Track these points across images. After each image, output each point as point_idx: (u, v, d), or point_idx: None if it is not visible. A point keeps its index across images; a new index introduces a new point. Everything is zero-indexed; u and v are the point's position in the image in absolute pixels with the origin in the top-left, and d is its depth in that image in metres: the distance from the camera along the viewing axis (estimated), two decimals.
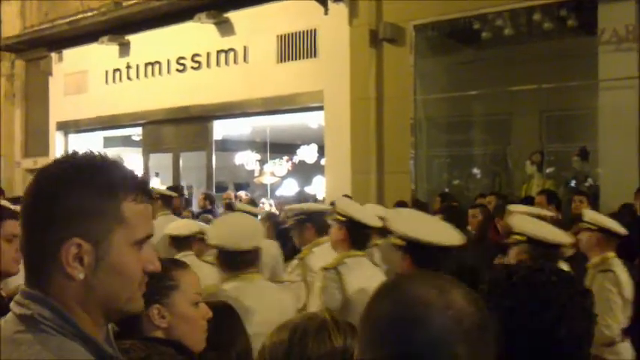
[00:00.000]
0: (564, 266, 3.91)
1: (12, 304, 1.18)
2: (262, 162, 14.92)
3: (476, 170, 11.54)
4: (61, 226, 1.16)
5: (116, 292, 1.21)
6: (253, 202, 10.44)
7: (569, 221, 5.90)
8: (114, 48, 12.77)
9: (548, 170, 10.32)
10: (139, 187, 1.24)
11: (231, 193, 12.01)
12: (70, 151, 1.25)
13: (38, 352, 1.10)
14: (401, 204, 6.99)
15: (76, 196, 1.17)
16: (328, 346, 1.64)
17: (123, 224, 1.20)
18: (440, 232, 3.08)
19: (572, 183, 9.56)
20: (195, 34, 11.45)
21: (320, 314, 1.82)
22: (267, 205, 12.53)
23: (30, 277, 1.20)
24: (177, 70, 11.92)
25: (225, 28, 11.14)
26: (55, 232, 1.16)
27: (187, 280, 2.02)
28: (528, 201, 7.18)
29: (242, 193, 12.85)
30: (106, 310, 1.22)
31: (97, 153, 1.24)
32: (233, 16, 11.04)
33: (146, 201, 1.25)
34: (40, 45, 14.08)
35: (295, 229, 4.64)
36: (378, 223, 3.80)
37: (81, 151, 1.25)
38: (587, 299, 1.53)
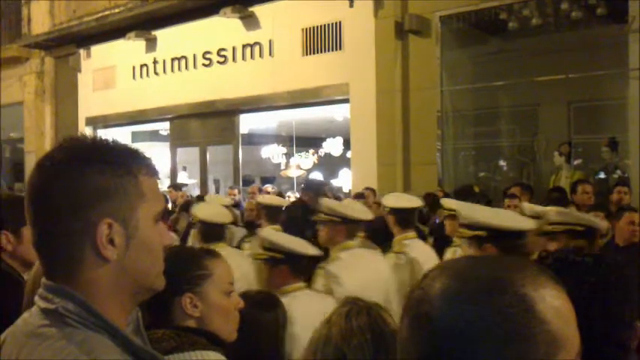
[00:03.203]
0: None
1: (36, 298, 1.16)
2: (288, 155, 14.99)
3: (502, 162, 11.44)
4: (88, 209, 1.13)
5: (147, 269, 1.20)
6: (280, 195, 10.51)
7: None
8: (141, 43, 12.89)
9: (577, 161, 10.20)
10: (147, 161, 1.22)
11: (256, 186, 12.08)
12: (64, 138, 1.21)
13: (63, 347, 1.07)
14: (429, 196, 6.95)
15: (96, 176, 1.13)
16: (390, 328, 1.77)
17: (143, 199, 1.18)
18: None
19: (601, 174, 9.44)
20: (220, 29, 11.51)
21: (362, 303, 1.87)
22: (293, 198, 12.56)
23: (51, 269, 1.16)
24: (204, 64, 11.99)
25: (251, 22, 11.18)
26: (83, 217, 1.12)
27: (220, 270, 2.03)
28: (558, 191, 7.07)
29: (268, 187, 12.92)
30: (137, 290, 1.20)
31: (91, 134, 1.22)
32: (258, 10, 11.07)
33: (155, 174, 1.23)
34: (69, 42, 14.29)
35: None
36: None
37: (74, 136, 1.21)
38: (623, 281, 1.54)
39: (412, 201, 4.87)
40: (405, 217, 4.65)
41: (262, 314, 2.50)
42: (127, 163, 1.18)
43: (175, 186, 11.16)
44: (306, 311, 2.94)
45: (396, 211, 4.66)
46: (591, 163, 10.29)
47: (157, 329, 1.82)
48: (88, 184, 1.13)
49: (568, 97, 10.58)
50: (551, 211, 3.70)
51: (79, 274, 1.14)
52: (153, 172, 1.23)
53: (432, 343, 0.88)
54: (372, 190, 8.11)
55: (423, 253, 4.53)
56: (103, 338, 1.11)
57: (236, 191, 10.33)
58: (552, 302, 0.89)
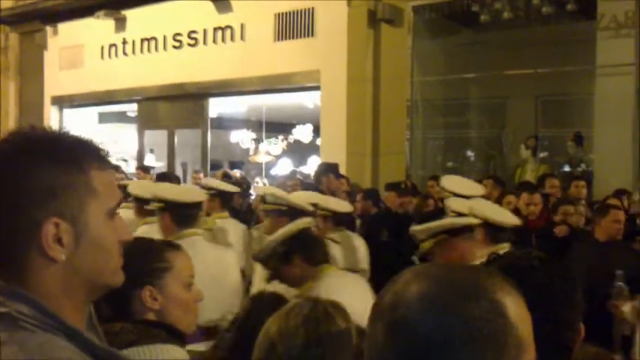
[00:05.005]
0: None
1: None
2: (257, 141, 14.91)
3: (470, 153, 11.55)
4: (33, 207, 1.08)
5: (100, 268, 1.15)
6: (245, 180, 10.51)
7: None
8: (110, 23, 12.65)
9: (542, 155, 10.35)
10: (99, 154, 1.17)
11: (223, 171, 12.01)
12: (12, 129, 1.16)
13: (15, 353, 1.01)
14: (392, 186, 6.99)
15: (42, 173, 1.09)
16: (335, 328, 1.72)
17: (94, 195, 1.14)
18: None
19: (566, 168, 9.60)
20: (192, 11, 11.35)
21: (312, 299, 1.86)
22: (261, 183, 12.53)
23: (1, 270, 1.10)
24: (174, 46, 11.83)
25: (223, 5, 11.04)
26: (27, 217, 1.08)
27: (180, 262, 2.00)
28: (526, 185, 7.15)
29: (236, 172, 12.86)
30: (91, 288, 1.16)
31: (44, 126, 1.17)
32: None
33: (109, 167, 1.19)
34: (35, 18, 13.93)
35: None
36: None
37: (36, 126, 1.16)
38: (568, 284, 1.55)
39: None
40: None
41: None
42: (77, 158, 1.13)
43: (144, 168, 11.03)
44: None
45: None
46: (557, 156, 10.46)
47: (116, 322, 1.79)
48: (33, 183, 1.08)
49: (536, 91, 10.70)
50: (268, 193, 4.56)
51: (28, 275, 1.09)
52: (106, 165, 1.18)
53: (411, 349, 0.89)
54: (346, 178, 8.09)
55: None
56: (60, 340, 1.06)
57: (201, 175, 10.26)
58: (517, 308, 0.93)
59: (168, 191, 4.04)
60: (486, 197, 4.89)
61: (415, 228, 3.56)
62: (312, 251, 3.31)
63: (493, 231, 3.58)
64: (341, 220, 4.98)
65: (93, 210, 1.13)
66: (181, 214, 3.84)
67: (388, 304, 0.94)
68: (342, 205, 5.06)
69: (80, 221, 1.12)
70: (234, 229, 5.24)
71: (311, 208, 4.47)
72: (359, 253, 4.98)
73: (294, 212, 4.17)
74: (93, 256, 1.14)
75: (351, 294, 2.83)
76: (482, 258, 3.41)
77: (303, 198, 4.77)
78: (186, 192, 4.27)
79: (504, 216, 3.72)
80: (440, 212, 4.62)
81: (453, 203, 4.12)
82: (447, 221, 3.54)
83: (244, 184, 8.99)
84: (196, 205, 4.01)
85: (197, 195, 4.20)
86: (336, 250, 4.54)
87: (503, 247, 3.45)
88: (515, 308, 0.92)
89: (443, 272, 0.98)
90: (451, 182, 5.20)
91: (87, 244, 1.13)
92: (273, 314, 1.83)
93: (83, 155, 1.14)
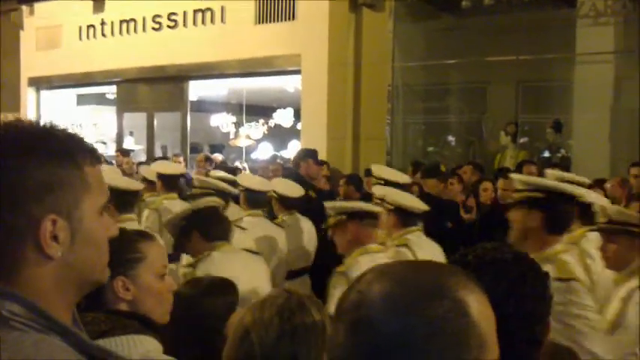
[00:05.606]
0: None
1: None
2: (238, 124, 14.82)
3: (451, 138, 11.60)
4: (31, 204, 1.05)
5: (93, 264, 1.15)
6: (225, 164, 10.46)
7: None
8: (88, 3, 12.44)
9: (522, 140, 10.42)
10: (91, 149, 1.16)
11: (203, 154, 11.93)
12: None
13: (9, 354, 0.99)
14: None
15: (39, 169, 1.06)
16: (310, 320, 1.72)
17: (88, 191, 1.12)
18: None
19: (545, 154, 9.68)
20: None
21: (287, 291, 1.85)
22: (241, 167, 12.48)
23: None
24: (153, 28, 11.68)
25: None
26: (24, 213, 1.05)
27: (154, 252, 2.00)
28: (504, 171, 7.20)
29: (217, 155, 12.79)
30: (81, 285, 1.15)
31: (32, 120, 1.15)
32: None
33: (98, 162, 1.18)
34: None
35: None
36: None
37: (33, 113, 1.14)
38: (540, 278, 1.57)
39: None
40: None
41: (207, 301, 2.45)
42: (72, 153, 1.11)
43: (123, 151, 10.94)
44: None
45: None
46: (537, 141, 10.54)
47: (88, 313, 1.77)
48: (31, 178, 1.06)
49: (517, 78, 10.74)
50: (197, 179, 5.33)
51: (20, 272, 1.07)
52: (97, 160, 1.16)
53: (373, 349, 0.89)
54: (326, 164, 8.08)
55: None
56: (54, 340, 1.05)
57: (181, 159, 10.19)
58: (480, 306, 0.93)
59: (108, 178, 4.23)
60: (407, 186, 5.40)
61: (327, 203, 3.91)
62: (209, 228, 3.57)
63: (404, 216, 4.00)
64: (293, 204, 5.41)
65: (87, 206, 1.12)
66: (120, 201, 4.24)
67: (351, 303, 0.94)
68: (293, 190, 5.44)
69: (75, 218, 1.10)
70: (180, 209, 5.40)
71: (236, 192, 5.08)
72: (304, 236, 5.42)
73: (220, 196, 4.54)
74: (87, 253, 1.13)
75: (235, 270, 3.11)
76: (394, 239, 3.94)
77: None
78: (125, 179, 4.75)
79: (413, 202, 4.12)
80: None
81: (375, 189, 4.50)
82: (352, 204, 3.88)
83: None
84: (134, 193, 4.50)
85: (135, 183, 4.70)
86: (280, 234, 5.09)
87: (413, 230, 4.01)
88: (478, 306, 0.93)
89: (406, 271, 0.98)
90: (380, 170, 5.59)
91: (81, 240, 1.12)
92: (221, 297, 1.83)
93: (77, 150, 1.13)
